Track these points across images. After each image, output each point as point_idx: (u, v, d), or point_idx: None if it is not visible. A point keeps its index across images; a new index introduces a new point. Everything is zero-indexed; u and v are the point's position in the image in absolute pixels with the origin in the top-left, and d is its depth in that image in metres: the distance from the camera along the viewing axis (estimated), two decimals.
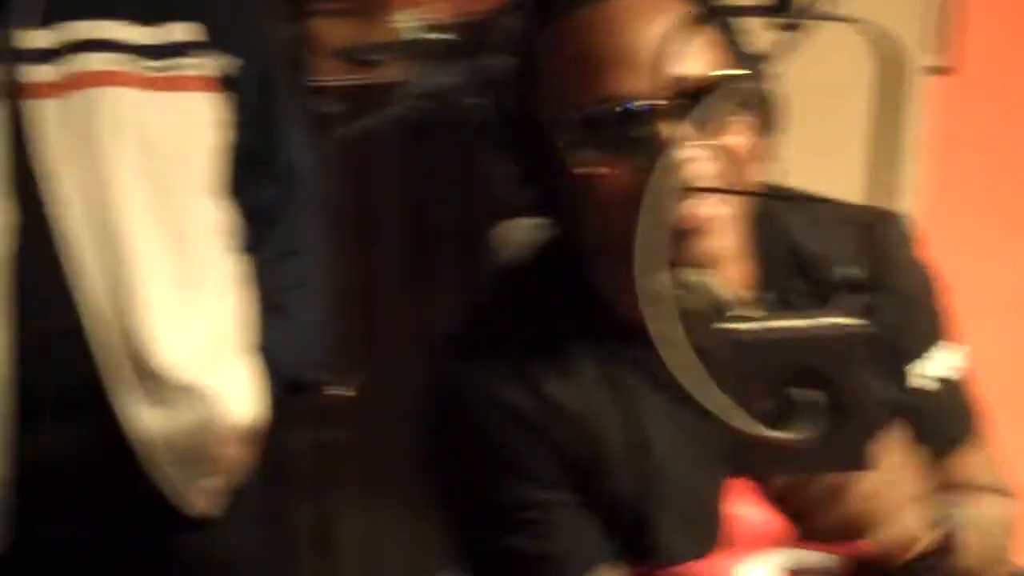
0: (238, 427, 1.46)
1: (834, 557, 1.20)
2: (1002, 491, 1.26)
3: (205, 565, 1.49)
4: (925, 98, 2.01)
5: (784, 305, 1.16)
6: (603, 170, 1.08)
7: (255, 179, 1.53)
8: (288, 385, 1.52)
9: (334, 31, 2.14)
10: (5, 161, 1.34)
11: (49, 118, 1.36)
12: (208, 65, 1.46)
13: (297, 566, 1.64)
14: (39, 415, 1.36)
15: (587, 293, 1.18)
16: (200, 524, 1.47)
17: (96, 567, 1.44)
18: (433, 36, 2.10)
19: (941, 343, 1.25)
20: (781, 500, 1.00)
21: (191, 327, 1.43)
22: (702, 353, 0.88)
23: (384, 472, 1.89)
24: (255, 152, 1.52)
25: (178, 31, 1.45)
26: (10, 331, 1.34)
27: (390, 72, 2.09)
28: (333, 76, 2.08)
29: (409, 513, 1.81)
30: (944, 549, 1.07)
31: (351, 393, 1.58)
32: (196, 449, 1.43)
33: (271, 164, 1.56)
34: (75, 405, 1.38)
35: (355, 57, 2.08)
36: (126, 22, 1.42)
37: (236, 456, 1.48)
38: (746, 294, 1.12)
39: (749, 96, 1.10)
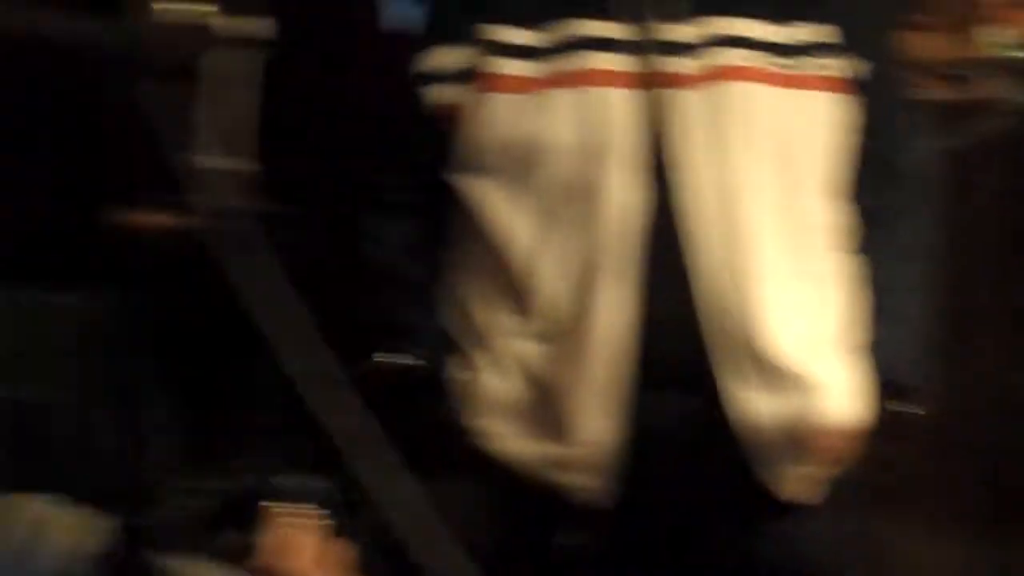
0: (838, 421, 1.47)
1: None
2: None
3: (785, 550, 1.52)
4: None
5: None
6: None
7: (874, 182, 1.54)
8: (887, 389, 1.51)
9: (922, 46, 2.11)
10: (643, 144, 1.43)
11: (685, 107, 1.44)
12: (837, 66, 1.49)
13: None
14: (650, 386, 1.44)
15: None
16: (789, 510, 1.50)
17: (684, 534, 1.51)
18: None
19: None
20: None
21: (800, 319, 1.46)
22: None
23: (949, 497, 1.84)
24: (876, 156, 1.53)
25: (810, 31, 1.49)
26: (637, 304, 1.43)
27: (982, 89, 2.04)
28: (922, 90, 2.05)
29: (979, 544, 1.76)
30: None
31: (920, 412, 1.55)
32: (796, 437, 1.46)
33: (891, 169, 1.56)
34: (683, 381, 1.45)
35: (948, 73, 2.04)
36: (761, 21, 1.48)
37: (835, 450, 1.49)
38: None
39: None
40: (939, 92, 2.05)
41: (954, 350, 1.69)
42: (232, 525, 1.33)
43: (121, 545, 1.20)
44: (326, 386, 1.12)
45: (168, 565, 1.21)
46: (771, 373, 1.44)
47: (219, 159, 1.24)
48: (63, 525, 0.77)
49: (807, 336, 1.47)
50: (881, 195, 1.55)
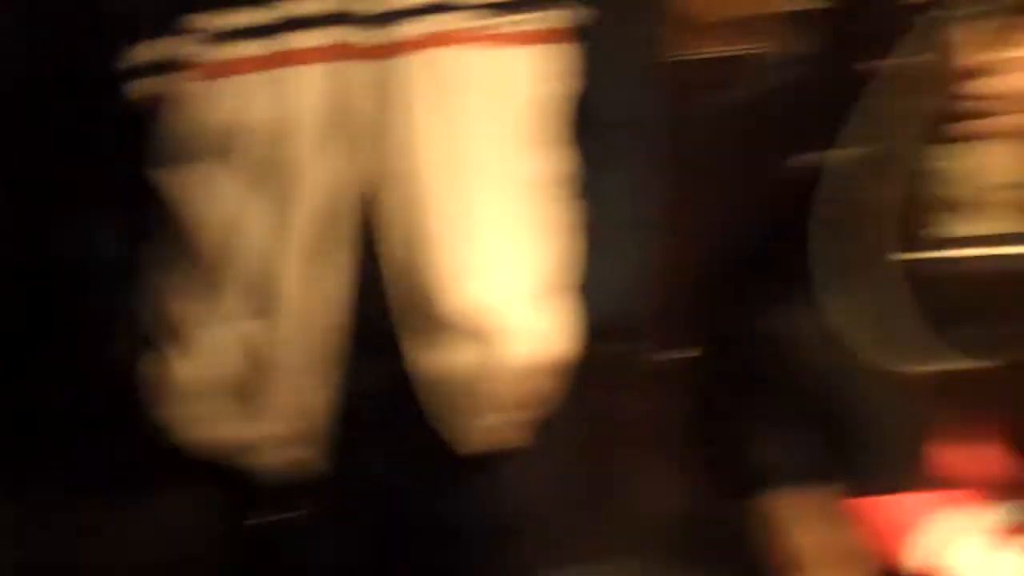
0: (526, 366, 1.48)
1: None
2: None
3: (489, 503, 1.55)
4: None
5: None
6: None
7: (598, 129, 1.56)
8: (600, 331, 1.52)
9: (702, 3, 2.10)
10: (341, 120, 1.44)
11: (405, 74, 1.44)
12: (555, 17, 1.51)
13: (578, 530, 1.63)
14: (354, 355, 1.46)
15: None
16: (488, 463, 1.51)
17: (383, 500, 1.53)
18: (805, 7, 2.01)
19: None
20: None
21: (499, 271, 1.48)
22: None
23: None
24: (599, 102, 1.56)
25: None
26: (341, 276, 1.45)
27: (758, 43, 2.03)
28: (698, 47, 2.05)
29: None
30: None
31: (689, 355, 1.53)
32: (475, 388, 1.48)
33: (614, 115, 1.59)
34: (379, 347, 1.47)
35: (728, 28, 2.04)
36: None
37: (523, 395, 1.49)
38: None
39: None
40: (713, 48, 2.05)
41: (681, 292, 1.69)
42: None
43: None
44: None
45: None
46: (449, 328, 1.46)
47: None
48: None
49: (502, 287, 1.48)
50: (607, 142, 1.58)
